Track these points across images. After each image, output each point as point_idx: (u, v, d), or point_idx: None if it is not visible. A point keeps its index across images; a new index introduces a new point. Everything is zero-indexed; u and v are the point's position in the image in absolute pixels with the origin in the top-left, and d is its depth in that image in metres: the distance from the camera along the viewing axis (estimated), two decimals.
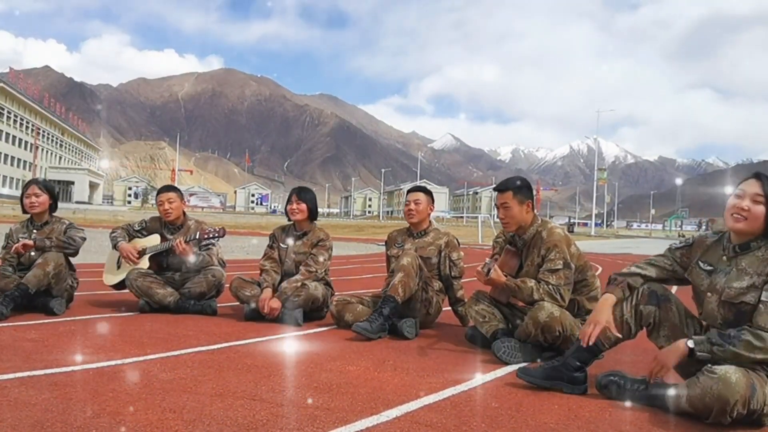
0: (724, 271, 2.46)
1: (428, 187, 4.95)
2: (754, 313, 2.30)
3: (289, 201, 4.49)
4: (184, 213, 4.73)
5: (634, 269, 2.71)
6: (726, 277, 2.43)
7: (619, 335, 2.60)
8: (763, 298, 2.28)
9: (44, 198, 4.38)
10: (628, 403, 2.48)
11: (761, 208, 2.32)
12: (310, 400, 2.38)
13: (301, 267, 4.34)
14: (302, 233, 4.47)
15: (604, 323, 2.56)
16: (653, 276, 2.66)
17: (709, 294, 2.49)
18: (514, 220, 3.43)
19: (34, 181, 4.47)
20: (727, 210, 2.41)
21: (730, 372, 2.14)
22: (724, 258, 2.47)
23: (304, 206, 4.41)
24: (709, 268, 2.52)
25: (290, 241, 4.47)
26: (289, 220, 4.52)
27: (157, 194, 4.75)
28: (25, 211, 4.43)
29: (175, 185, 4.95)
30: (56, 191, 4.55)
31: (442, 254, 4.18)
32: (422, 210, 4.23)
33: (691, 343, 2.24)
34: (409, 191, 4.40)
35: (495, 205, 3.57)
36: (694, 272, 2.58)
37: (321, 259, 4.36)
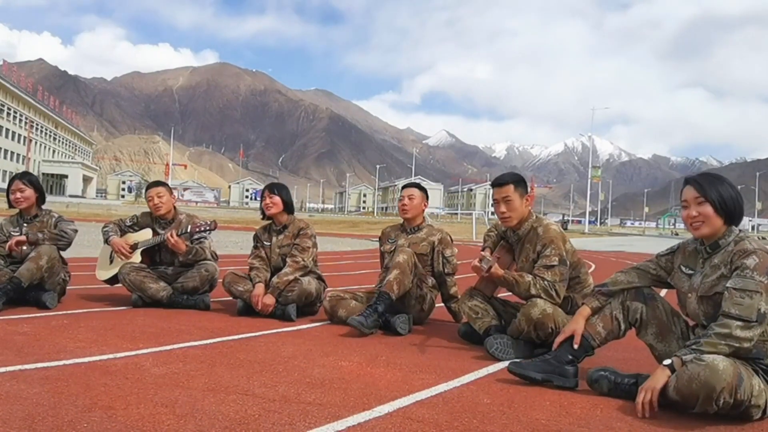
0: (700, 271, 2.55)
1: (423, 183, 4.96)
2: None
3: (262, 197, 4.48)
4: (174, 207, 4.73)
5: (616, 276, 2.81)
6: (702, 276, 2.53)
7: (575, 346, 2.69)
8: (728, 285, 2.35)
9: (29, 192, 4.36)
10: (618, 399, 2.50)
11: (707, 207, 2.44)
12: (302, 396, 2.39)
13: (287, 259, 4.32)
14: (282, 227, 4.46)
15: (574, 333, 2.72)
16: (635, 281, 2.76)
17: (689, 295, 2.58)
18: (516, 214, 3.38)
19: (18, 177, 4.41)
20: (685, 223, 2.53)
21: (718, 360, 2.18)
22: (701, 260, 2.57)
23: (278, 199, 4.40)
24: (689, 272, 2.62)
25: (273, 238, 4.45)
26: (264, 217, 4.50)
27: (146, 190, 4.75)
28: (11, 207, 4.40)
29: (164, 180, 4.96)
30: (41, 184, 4.52)
31: (435, 251, 4.18)
32: (416, 205, 4.23)
33: (666, 362, 2.32)
34: (403, 187, 4.43)
35: (494, 199, 3.49)
36: (676, 276, 2.68)
37: (305, 247, 4.34)
